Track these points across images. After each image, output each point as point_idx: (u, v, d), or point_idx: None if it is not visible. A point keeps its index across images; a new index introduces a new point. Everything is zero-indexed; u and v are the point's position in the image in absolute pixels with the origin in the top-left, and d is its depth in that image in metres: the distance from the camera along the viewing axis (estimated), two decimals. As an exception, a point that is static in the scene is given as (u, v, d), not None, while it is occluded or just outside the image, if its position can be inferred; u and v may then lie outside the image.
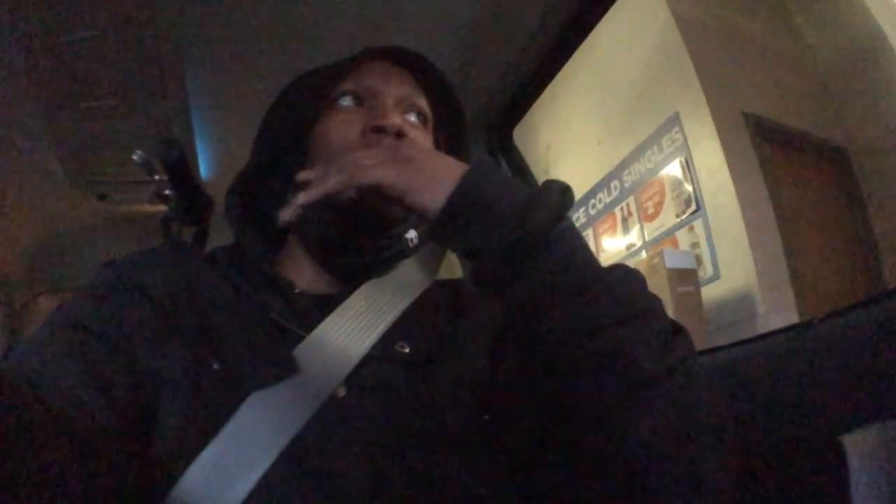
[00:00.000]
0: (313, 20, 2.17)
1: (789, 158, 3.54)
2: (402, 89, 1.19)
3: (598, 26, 2.36)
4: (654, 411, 0.81)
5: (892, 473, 1.09)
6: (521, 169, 2.78)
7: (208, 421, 0.92)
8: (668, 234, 3.35)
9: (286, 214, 0.97)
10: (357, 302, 1.09)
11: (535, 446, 0.96)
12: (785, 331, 1.38)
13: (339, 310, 1.07)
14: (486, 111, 2.63)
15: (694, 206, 3.19)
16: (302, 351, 1.00)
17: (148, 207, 3.35)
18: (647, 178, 3.53)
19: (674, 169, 3.33)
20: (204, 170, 3.30)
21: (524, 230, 0.86)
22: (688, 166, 3.24)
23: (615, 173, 3.77)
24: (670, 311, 0.89)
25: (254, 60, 2.17)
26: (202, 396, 0.95)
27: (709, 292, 2.95)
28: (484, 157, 0.99)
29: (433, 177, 0.95)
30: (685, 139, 3.28)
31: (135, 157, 2.38)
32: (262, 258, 1.13)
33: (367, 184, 0.95)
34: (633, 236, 3.62)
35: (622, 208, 3.79)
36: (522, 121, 2.76)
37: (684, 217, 3.25)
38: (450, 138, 1.29)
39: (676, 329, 0.87)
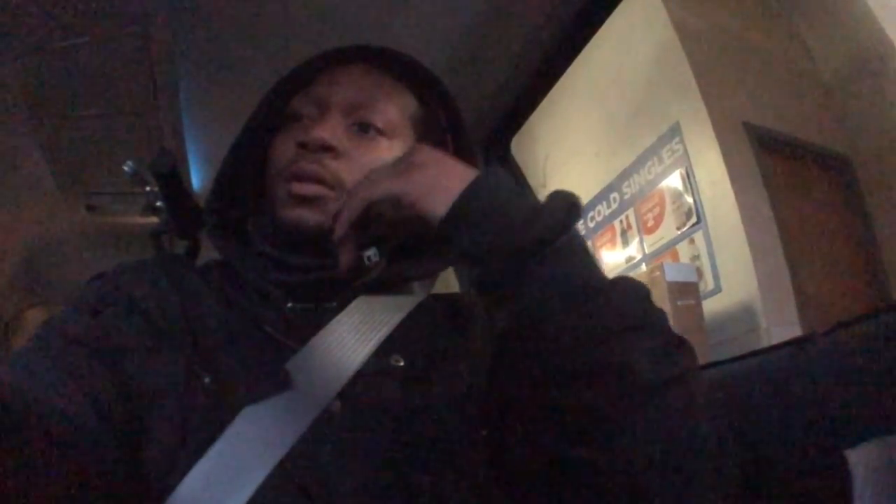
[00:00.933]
0: (309, 31, 2.18)
1: (791, 169, 3.54)
2: (348, 96, 1.16)
3: (596, 35, 2.37)
4: (653, 423, 0.82)
5: (897, 488, 1.09)
6: (518, 181, 2.78)
7: (200, 435, 0.92)
8: (669, 247, 3.35)
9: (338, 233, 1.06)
10: (351, 315, 1.10)
11: (531, 461, 0.96)
12: (787, 344, 1.38)
13: (332, 323, 1.07)
14: (483, 122, 2.63)
15: (694, 218, 3.19)
16: (295, 364, 1.01)
17: (139, 219, 3.35)
18: (647, 189, 3.53)
19: (674, 180, 3.34)
20: (196, 181, 3.30)
21: (531, 236, 0.88)
22: (688, 177, 3.24)
23: (614, 185, 3.78)
24: (671, 325, 0.90)
25: (247, 70, 2.17)
26: (194, 411, 0.95)
27: (710, 306, 2.95)
28: (495, 167, 0.99)
29: (442, 181, 0.98)
30: (685, 150, 3.29)
31: (126, 167, 2.38)
32: (253, 272, 1.13)
33: (382, 197, 1.00)
34: (633, 249, 3.61)
35: (621, 221, 3.79)
36: (520, 132, 2.76)
37: (685, 229, 3.25)
38: (453, 140, 1.28)
39: (680, 342, 0.88)
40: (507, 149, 2.79)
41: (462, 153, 1.25)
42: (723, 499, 0.86)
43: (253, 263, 1.14)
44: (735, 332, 2.88)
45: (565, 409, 0.86)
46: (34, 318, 4.84)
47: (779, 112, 3.59)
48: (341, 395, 0.99)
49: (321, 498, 0.90)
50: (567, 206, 0.92)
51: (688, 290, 2.79)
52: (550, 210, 0.91)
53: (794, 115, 3.66)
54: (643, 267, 3.53)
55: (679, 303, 2.65)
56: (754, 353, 1.47)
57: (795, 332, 2.82)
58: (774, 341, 1.84)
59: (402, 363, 1.06)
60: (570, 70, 2.52)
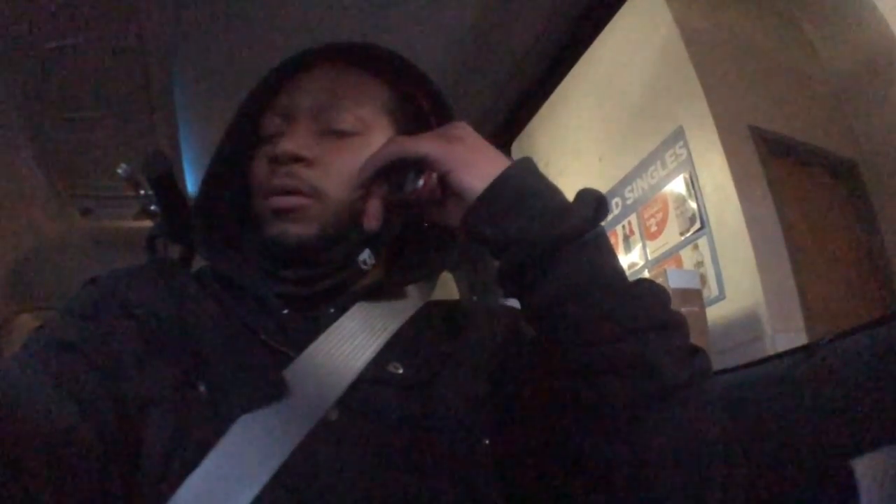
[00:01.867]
0: (307, 33, 2.18)
1: (797, 174, 3.54)
2: (313, 101, 1.15)
3: (599, 38, 2.38)
4: (671, 421, 0.85)
5: (904, 496, 1.09)
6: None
7: (196, 445, 0.92)
8: (672, 253, 3.34)
9: (371, 224, 1.06)
10: (349, 322, 1.10)
11: (539, 468, 0.96)
12: (792, 353, 1.39)
13: (330, 330, 1.07)
14: (484, 125, 2.64)
15: (698, 223, 3.18)
16: (292, 372, 1.01)
17: (133, 223, 3.35)
18: (650, 194, 3.52)
19: (678, 185, 3.33)
20: (191, 185, 3.30)
21: (566, 225, 0.91)
22: (692, 182, 3.24)
23: (617, 190, 3.77)
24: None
25: (244, 73, 2.18)
26: (189, 420, 0.95)
27: (714, 313, 2.95)
28: (528, 157, 1.00)
29: (480, 160, 0.99)
30: (689, 154, 3.28)
31: (120, 171, 2.39)
32: (247, 279, 1.13)
33: (416, 154, 1.01)
34: (636, 255, 3.61)
35: (624, 226, 3.78)
36: (521, 135, 2.76)
37: (688, 235, 3.25)
38: (438, 124, 1.27)
39: (694, 349, 0.91)
40: (507, 152, 2.80)
41: None
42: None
43: (247, 271, 1.14)
44: (740, 340, 2.87)
45: (586, 401, 0.88)
46: (25, 323, 4.83)
47: (785, 116, 3.58)
48: (339, 403, 1.00)
49: None
50: (596, 202, 0.94)
51: (691, 297, 2.79)
52: (582, 203, 0.94)
53: (800, 119, 3.65)
54: (646, 273, 3.52)
55: (683, 310, 2.62)
56: (760, 362, 1.47)
57: (801, 339, 2.82)
58: (780, 349, 1.84)
59: (400, 371, 1.06)
60: (571, 73, 2.53)
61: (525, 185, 0.96)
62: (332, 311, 1.10)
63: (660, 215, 3.44)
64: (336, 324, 1.07)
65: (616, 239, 3.85)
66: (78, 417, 0.88)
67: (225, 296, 1.11)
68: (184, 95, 2.64)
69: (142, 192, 2.40)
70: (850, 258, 3.59)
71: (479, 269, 2.86)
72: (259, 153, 1.16)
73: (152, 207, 2.39)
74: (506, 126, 2.70)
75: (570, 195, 0.98)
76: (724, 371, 1.48)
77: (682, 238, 3.30)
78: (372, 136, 1.15)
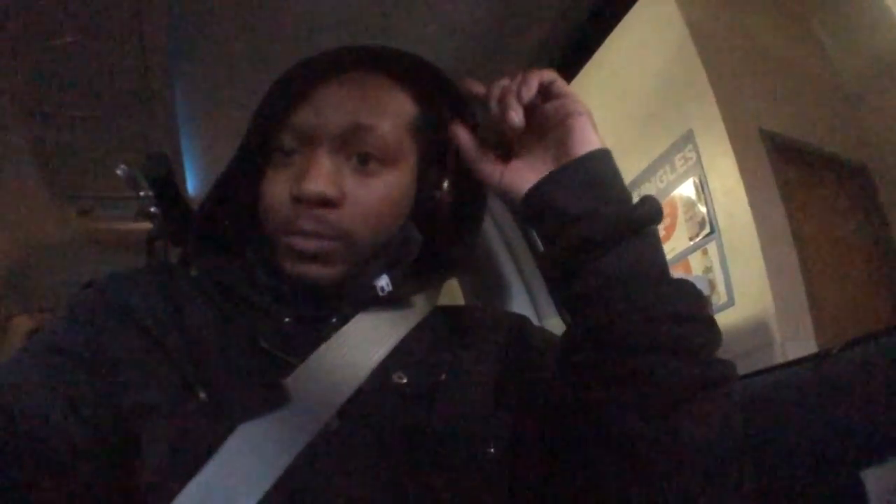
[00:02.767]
0: (310, 29, 2.17)
1: (808, 178, 3.53)
2: (336, 125, 1.08)
3: (608, 39, 2.37)
4: (709, 413, 0.89)
5: (915, 509, 1.09)
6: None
7: (194, 452, 0.92)
8: (681, 258, 3.33)
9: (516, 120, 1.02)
10: (353, 330, 1.09)
11: (551, 474, 0.97)
12: (802, 361, 1.38)
13: (333, 338, 1.07)
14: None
15: (708, 228, 3.18)
16: (293, 380, 1.00)
17: (132, 225, 3.34)
18: (659, 198, 3.49)
19: (687, 189, 3.33)
20: (192, 186, 3.29)
21: (637, 211, 0.97)
22: (702, 186, 3.23)
23: (625, 193, 3.76)
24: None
25: (246, 71, 2.17)
26: (188, 427, 0.95)
27: (722, 319, 2.94)
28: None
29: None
30: (699, 158, 3.27)
31: (119, 171, 2.38)
32: (248, 287, 1.13)
33: (560, 90, 1.07)
34: (644, 260, 3.59)
35: (633, 231, 3.76)
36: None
37: (697, 240, 3.24)
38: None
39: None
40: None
41: None
42: None
43: (248, 279, 1.14)
44: (749, 347, 2.87)
45: (634, 379, 0.90)
46: (22, 325, 4.83)
47: (796, 119, 3.57)
48: (341, 412, 0.99)
49: None
50: (656, 204, 1.00)
51: (701, 304, 2.78)
52: (649, 201, 1.00)
53: (811, 123, 3.64)
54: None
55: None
56: (768, 370, 1.47)
57: (811, 347, 2.81)
58: (790, 356, 1.84)
59: (404, 380, 1.06)
60: (580, 74, 2.51)
61: (608, 170, 1.03)
62: (334, 319, 1.10)
63: (668, 220, 3.44)
64: (339, 332, 1.06)
65: (624, 243, 3.83)
66: (73, 424, 0.88)
67: (224, 301, 1.11)
68: (184, 94, 2.63)
69: (141, 193, 2.39)
70: (861, 264, 3.57)
71: (488, 275, 2.87)
72: (273, 174, 1.10)
73: (152, 209, 2.38)
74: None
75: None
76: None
77: (692, 243, 3.30)
78: (399, 163, 1.12)
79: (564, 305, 1.04)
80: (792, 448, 1.28)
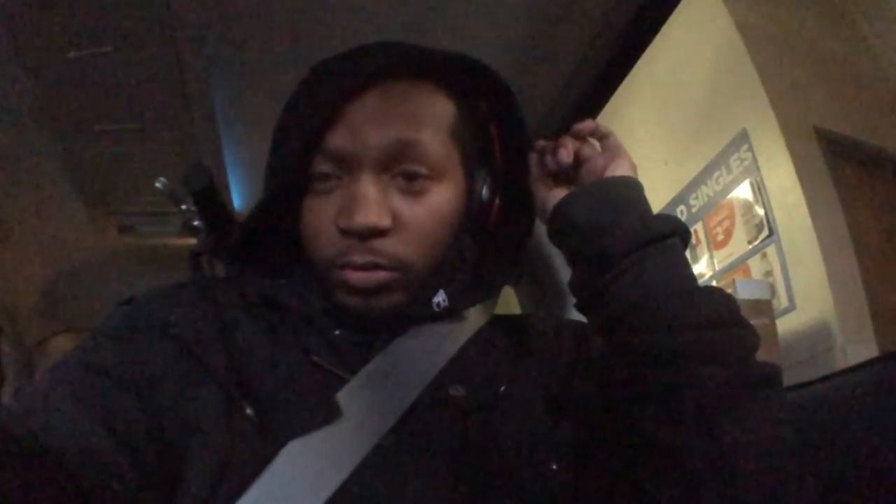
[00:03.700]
0: (353, 34, 2.17)
1: (865, 177, 3.48)
2: (378, 146, 1.04)
3: (656, 39, 2.36)
4: (752, 417, 0.89)
5: None
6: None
7: (242, 471, 0.92)
8: (740, 262, 3.32)
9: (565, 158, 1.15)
10: (406, 343, 1.09)
11: (611, 492, 0.95)
12: (864, 366, 1.37)
13: (386, 351, 1.06)
14: (543, 129, 2.61)
15: (766, 230, 3.15)
16: (345, 395, 1.00)
17: (175, 240, 3.35)
18: (716, 201, 3.49)
19: (744, 191, 3.30)
20: (237, 199, 3.29)
21: (658, 223, 1.01)
22: (758, 188, 3.20)
23: (681, 197, 3.74)
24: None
25: (289, 77, 2.16)
26: (235, 445, 0.94)
27: (784, 324, 2.91)
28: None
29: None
30: (754, 158, 3.25)
31: (158, 184, 2.38)
32: (298, 298, 1.12)
33: (603, 132, 1.22)
34: (703, 265, 3.58)
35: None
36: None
37: (756, 243, 3.22)
38: (497, 128, 1.27)
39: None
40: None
41: (511, 140, 1.26)
42: None
43: (296, 291, 1.13)
44: (811, 352, 2.84)
45: (670, 391, 0.90)
46: (60, 345, 4.87)
47: (851, 117, 3.53)
48: (396, 428, 0.98)
49: None
50: (678, 219, 1.05)
51: (762, 309, 2.76)
52: (671, 216, 1.04)
53: (867, 120, 3.60)
54: (714, 284, 3.48)
55: (753, 321, 2.55)
56: (829, 377, 1.44)
57: (872, 350, 2.78)
58: (850, 360, 1.81)
59: (462, 393, 1.05)
60: (630, 76, 2.50)
61: (632, 193, 1.05)
62: (385, 335, 1.08)
63: (726, 223, 3.42)
64: (392, 345, 1.06)
65: (683, 250, 3.81)
66: (112, 448, 0.87)
67: (271, 314, 1.09)
68: (224, 103, 2.64)
69: (183, 206, 2.38)
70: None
71: (544, 282, 2.84)
72: (315, 202, 1.09)
73: (195, 223, 2.38)
74: (566, 131, 2.68)
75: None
76: (800, 385, 1.45)
77: (750, 247, 3.28)
78: (447, 174, 1.11)
79: (595, 332, 1.07)
80: (853, 457, 1.26)
